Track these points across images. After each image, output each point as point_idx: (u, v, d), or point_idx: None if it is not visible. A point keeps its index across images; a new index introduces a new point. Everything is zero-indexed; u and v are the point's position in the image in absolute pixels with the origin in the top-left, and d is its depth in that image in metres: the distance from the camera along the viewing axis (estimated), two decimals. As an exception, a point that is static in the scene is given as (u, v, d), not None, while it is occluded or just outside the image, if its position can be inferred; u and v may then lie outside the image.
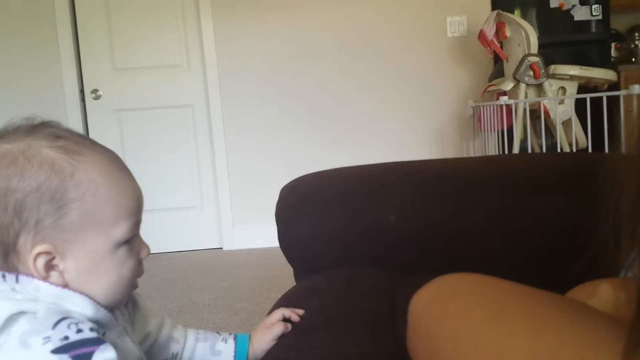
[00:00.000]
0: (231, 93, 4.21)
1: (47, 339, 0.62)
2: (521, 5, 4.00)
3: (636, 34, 4.84)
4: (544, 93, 3.44)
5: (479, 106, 3.79)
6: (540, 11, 3.99)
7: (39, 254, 0.68)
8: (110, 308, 0.74)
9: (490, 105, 3.56)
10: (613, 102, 3.09)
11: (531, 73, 3.40)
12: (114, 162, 0.75)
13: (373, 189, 1.23)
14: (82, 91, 4.26)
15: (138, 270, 0.77)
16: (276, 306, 1.01)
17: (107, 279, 0.73)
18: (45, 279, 0.69)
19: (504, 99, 3.36)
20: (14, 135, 0.70)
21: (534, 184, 1.18)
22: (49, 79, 4.19)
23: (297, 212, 1.24)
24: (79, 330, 0.64)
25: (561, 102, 3.40)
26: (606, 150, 3.01)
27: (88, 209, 0.69)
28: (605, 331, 0.52)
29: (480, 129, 3.80)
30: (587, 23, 3.96)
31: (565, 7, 3.93)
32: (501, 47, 3.63)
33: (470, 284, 0.72)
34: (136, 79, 4.24)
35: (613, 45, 4.60)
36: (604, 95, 3.01)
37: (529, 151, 3.43)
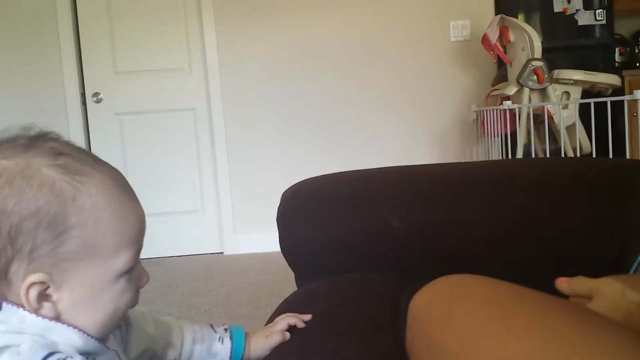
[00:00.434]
0: (233, 97, 4.19)
1: None
2: (525, 10, 3.98)
3: (640, 39, 4.83)
4: (548, 98, 3.43)
5: (482, 111, 3.77)
6: (544, 15, 3.97)
7: (32, 284, 0.62)
8: (101, 339, 0.69)
9: (493, 110, 3.54)
10: (617, 107, 3.07)
11: (535, 77, 3.38)
12: (118, 184, 0.69)
13: (375, 193, 1.23)
14: (83, 94, 4.24)
15: (134, 300, 0.71)
16: (278, 311, 0.99)
17: (103, 311, 0.67)
18: (37, 310, 0.63)
19: (507, 104, 3.35)
20: (11, 149, 0.64)
21: (537, 189, 1.18)
22: (50, 82, 4.18)
23: (299, 216, 1.24)
24: None
25: (565, 106, 3.38)
26: (610, 155, 2.99)
27: (89, 237, 0.64)
28: (613, 338, 0.51)
29: (484, 134, 3.79)
30: (591, 28, 3.94)
31: (569, 12, 3.91)
32: (505, 52, 3.62)
33: (473, 286, 0.70)
34: (138, 83, 4.22)
35: (617, 50, 4.58)
36: (608, 100, 2.99)
37: (533, 156, 3.42)
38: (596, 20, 3.92)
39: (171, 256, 4.20)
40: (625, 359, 0.47)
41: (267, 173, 4.19)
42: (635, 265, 0.79)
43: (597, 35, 3.95)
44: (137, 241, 0.69)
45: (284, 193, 1.28)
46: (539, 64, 3.38)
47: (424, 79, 4.15)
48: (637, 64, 4.76)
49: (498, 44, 3.58)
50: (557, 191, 1.16)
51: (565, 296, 0.77)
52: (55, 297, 0.64)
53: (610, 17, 3.92)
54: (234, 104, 4.19)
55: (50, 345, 0.61)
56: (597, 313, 0.62)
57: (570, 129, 3.37)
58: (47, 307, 0.64)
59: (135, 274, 0.70)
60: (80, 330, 0.65)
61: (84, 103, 4.24)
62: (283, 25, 4.15)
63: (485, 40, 3.63)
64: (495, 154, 3.61)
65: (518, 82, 3.43)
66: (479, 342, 0.59)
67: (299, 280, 1.26)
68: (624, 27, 4.72)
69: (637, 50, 4.82)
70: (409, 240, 1.16)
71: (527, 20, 3.89)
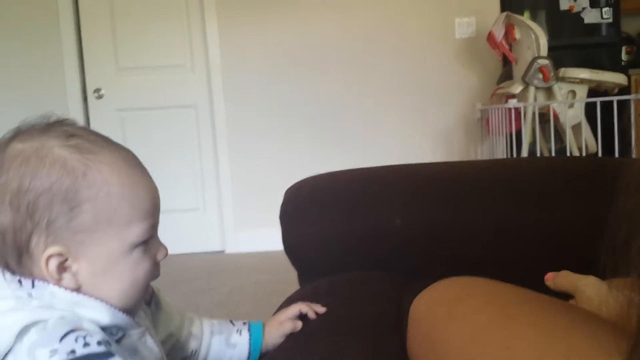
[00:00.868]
0: (235, 95, 4.18)
1: (54, 352, 0.61)
2: (531, 7, 3.96)
3: (647, 38, 4.80)
4: (554, 96, 3.40)
5: (487, 109, 3.75)
6: (550, 13, 3.94)
7: (51, 255, 0.67)
8: (128, 311, 0.72)
9: (498, 109, 3.52)
10: (623, 106, 3.04)
11: (540, 76, 3.36)
12: (129, 161, 0.73)
13: (378, 191, 1.22)
14: (84, 90, 4.24)
15: (154, 272, 0.75)
16: (281, 309, 0.97)
17: (120, 281, 0.71)
18: (58, 281, 0.68)
19: (512, 102, 3.33)
20: (27, 134, 0.69)
21: (542, 188, 1.17)
22: (52, 78, 4.17)
23: (301, 214, 1.23)
24: (86, 344, 0.62)
25: (571, 105, 3.36)
26: (616, 154, 2.97)
27: (101, 210, 0.68)
28: (613, 339, 0.50)
29: (488, 133, 3.77)
30: (597, 26, 3.91)
31: (575, 10, 3.89)
32: (510, 50, 3.59)
33: (475, 287, 0.71)
34: (139, 79, 4.21)
35: (624, 48, 4.55)
36: (614, 99, 2.97)
37: (538, 155, 3.39)
38: (603, 18, 3.89)
39: (172, 254, 4.18)
40: (620, 357, 0.46)
41: (269, 171, 4.17)
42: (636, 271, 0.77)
43: (604, 33, 3.92)
44: (151, 215, 0.73)
45: (287, 190, 1.26)
46: (545, 62, 3.35)
47: (428, 76, 4.13)
48: (644, 63, 4.73)
49: (504, 41, 3.56)
50: (562, 191, 1.14)
51: (566, 297, 0.77)
52: (74, 268, 0.68)
53: (616, 15, 3.90)
54: (236, 101, 4.18)
55: (74, 322, 0.64)
56: (595, 314, 0.62)
57: (576, 128, 3.35)
58: (67, 278, 0.68)
59: (151, 247, 0.74)
60: (105, 302, 0.69)
61: (85, 99, 4.24)
62: (286, 23, 4.13)
63: (490, 38, 3.61)
64: (500, 153, 3.59)
65: (524, 80, 3.41)
66: (481, 342, 0.60)
67: (301, 278, 1.25)
68: (631, 26, 4.70)
69: (643, 49, 4.79)
70: (413, 240, 1.15)
71: (533, 18, 3.86)
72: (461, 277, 0.74)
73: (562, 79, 3.45)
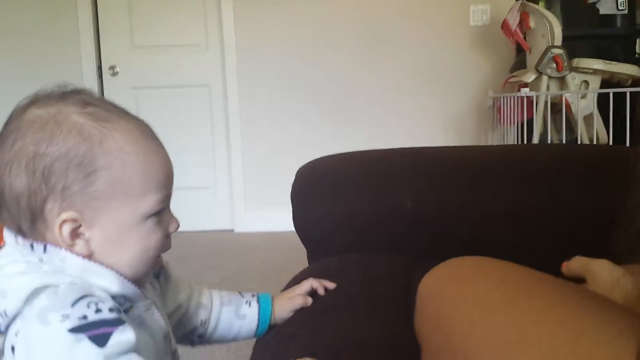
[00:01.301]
0: (248, 74, 4.18)
1: (66, 316, 0.61)
2: (546, -4, 3.93)
3: (662, 30, 4.76)
4: (567, 86, 3.39)
5: (500, 97, 3.74)
6: (565, 3, 3.91)
7: (65, 220, 0.67)
8: (137, 282, 0.73)
9: (510, 97, 3.51)
10: (636, 98, 3.03)
11: (554, 65, 3.35)
12: (145, 132, 0.74)
13: (390, 173, 1.22)
14: (99, 67, 4.25)
15: (165, 244, 0.76)
16: (290, 286, 0.99)
17: (132, 250, 0.71)
18: (71, 247, 0.68)
19: (525, 91, 3.32)
20: (45, 100, 0.70)
21: (553, 175, 1.17)
22: (67, 54, 4.19)
23: (313, 193, 1.23)
24: (98, 310, 0.63)
25: (583, 96, 3.35)
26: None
27: (116, 178, 0.68)
28: (625, 323, 0.50)
29: (500, 121, 3.76)
30: (612, 17, 3.88)
31: (590, 0, 3.85)
32: (524, 38, 3.58)
33: (488, 268, 0.70)
34: (154, 57, 4.22)
35: (638, 40, 4.51)
36: (627, 90, 2.96)
37: (548, 145, 3.39)
38: (618, 9, 3.86)
39: (181, 231, 4.20)
40: (632, 339, 0.47)
41: (280, 152, 4.18)
42: None
43: (618, 25, 3.89)
44: (164, 186, 0.73)
45: (299, 170, 1.27)
46: (559, 51, 3.34)
47: (441, 63, 4.12)
48: (658, 56, 4.69)
49: (518, 30, 3.54)
50: (574, 177, 1.15)
51: (577, 281, 0.77)
52: (87, 235, 0.69)
53: (632, 7, 3.86)
54: (250, 81, 4.18)
55: (85, 289, 0.65)
56: (607, 298, 0.62)
57: (588, 119, 3.34)
58: (79, 244, 0.69)
59: (163, 218, 0.75)
60: (115, 271, 0.70)
61: (100, 76, 4.25)
62: (302, 4, 4.12)
63: (505, 25, 3.59)
64: (511, 142, 3.59)
65: (537, 69, 3.40)
66: (491, 322, 0.59)
67: (311, 257, 1.26)
68: (646, 18, 4.65)
69: (658, 42, 4.76)
70: (423, 222, 1.16)
71: (548, 7, 3.83)
72: (471, 257, 0.74)
73: (576, 69, 3.43)
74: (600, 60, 3.44)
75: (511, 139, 3.58)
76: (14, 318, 0.65)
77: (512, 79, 3.69)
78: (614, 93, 3.00)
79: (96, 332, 0.61)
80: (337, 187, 1.22)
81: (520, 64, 3.72)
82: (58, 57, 4.18)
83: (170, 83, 4.22)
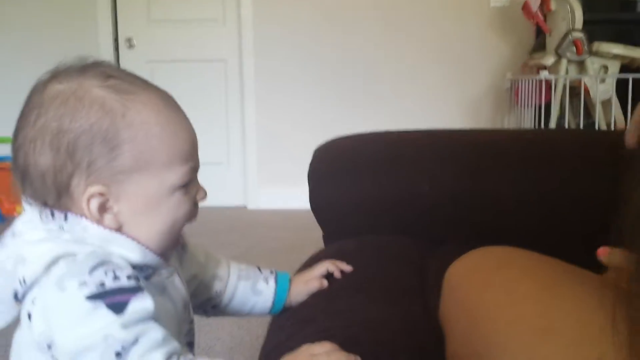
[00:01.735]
0: (265, 51, 4.16)
1: (83, 283, 0.61)
2: (568, -21, 3.87)
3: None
4: (586, 70, 3.36)
5: (518, 79, 3.71)
6: (587, -14, 3.86)
7: (92, 195, 0.67)
8: (162, 253, 0.73)
9: (529, 79, 3.48)
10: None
11: (574, 49, 3.32)
12: (168, 103, 0.73)
13: (408, 156, 1.21)
14: (116, 40, 4.24)
15: (193, 213, 0.76)
16: (306, 266, 0.99)
17: (161, 222, 0.71)
18: (99, 221, 0.68)
19: (544, 74, 3.29)
20: (65, 74, 0.69)
21: (572, 158, 1.15)
22: (84, 26, 4.18)
23: (330, 174, 1.23)
24: (116, 278, 0.63)
25: (602, 80, 3.31)
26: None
27: (141, 151, 0.68)
28: None
29: (517, 103, 3.73)
30: (633, 2, 3.82)
31: (612, -16, 3.81)
32: (545, 20, 3.54)
33: (515, 257, 0.71)
34: (171, 31, 4.21)
35: (659, 26, 4.46)
36: (647, 76, 2.93)
37: (565, 129, 3.37)
38: (639, -6, 3.81)
39: (194, 207, 4.23)
40: None
41: (295, 130, 4.17)
42: None
43: (639, 10, 3.84)
44: (191, 157, 0.74)
45: (316, 149, 1.26)
46: (579, 35, 3.31)
47: (461, 43, 4.09)
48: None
49: (539, 12, 3.50)
50: (595, 163, 1.13)
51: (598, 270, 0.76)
52: (115, 208, 0.69)
53: (655, -9, 3.81)
54: (266, 58, 4.17)
55: (103, 257, 0.65)
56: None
57: (606, 104, 3.32)
58: (108, 218, 0.69)
59: (191, 189, 0.75)
60: (139, 243, 0.70)
61: (116, 49, 4.24)
62: (322, -18, 4.09)
63: (526, 7, 3.55)
64: (527, 125, 3.57)
65: (556, 52, 3.36)
66: (520, 309, 0.60)
67: (327, 238, 1.26)
68: (669, 3, 4.59)
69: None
70: (440, 206, 1.15)
71: (570, -10, 3.78)
72: (498, 247, 0.74)
73: (595, 54, 3.40)
74: (620, 45, 3.40)
75: (528, 122, 3.56)
76: (32, 286, 0.65)
77: (530, 62, 3.66)
78: (633, 79, 2.97)
79: (114, 299, 0.61)
80: (354, 168, 1.21)
81: (539, 46, 3.68)
82: (74, 30, 4.18)
83: (187, 57, 4.22)
